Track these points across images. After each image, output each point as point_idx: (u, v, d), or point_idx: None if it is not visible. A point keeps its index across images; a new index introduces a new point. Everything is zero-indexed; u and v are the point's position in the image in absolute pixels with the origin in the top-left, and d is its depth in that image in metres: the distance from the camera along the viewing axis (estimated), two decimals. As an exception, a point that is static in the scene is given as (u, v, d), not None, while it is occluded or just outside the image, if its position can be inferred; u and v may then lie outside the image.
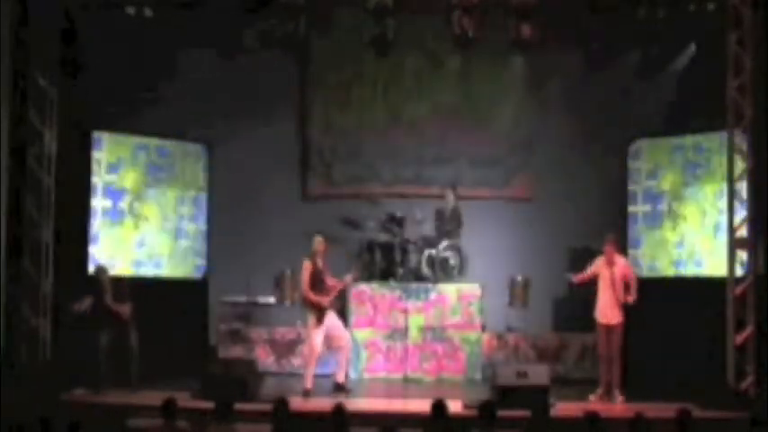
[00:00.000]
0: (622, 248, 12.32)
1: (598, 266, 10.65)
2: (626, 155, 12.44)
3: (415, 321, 12.30)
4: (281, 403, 7.19)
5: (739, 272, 10.36)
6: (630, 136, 12.42)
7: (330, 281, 10.80)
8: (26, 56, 10.67)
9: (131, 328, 10.83)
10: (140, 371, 10.72)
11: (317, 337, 10.65)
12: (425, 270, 12.63)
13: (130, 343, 10.79)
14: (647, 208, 12.29)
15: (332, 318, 10.82)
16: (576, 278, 10.84)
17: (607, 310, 10.59)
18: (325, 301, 10.66)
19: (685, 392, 9.44)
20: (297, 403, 7.60)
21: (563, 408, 9.55)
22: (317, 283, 10.66)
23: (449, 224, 12.86)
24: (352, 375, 12.29)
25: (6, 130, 10.57)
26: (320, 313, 10.63)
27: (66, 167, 11.05)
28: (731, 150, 10.43)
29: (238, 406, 8.44)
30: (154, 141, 12.48)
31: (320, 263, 10.78)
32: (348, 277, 11.08)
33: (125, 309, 10.79)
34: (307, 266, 10.68)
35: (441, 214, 13.04)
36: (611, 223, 12.40)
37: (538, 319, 12.66)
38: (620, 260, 10.68)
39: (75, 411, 8.31)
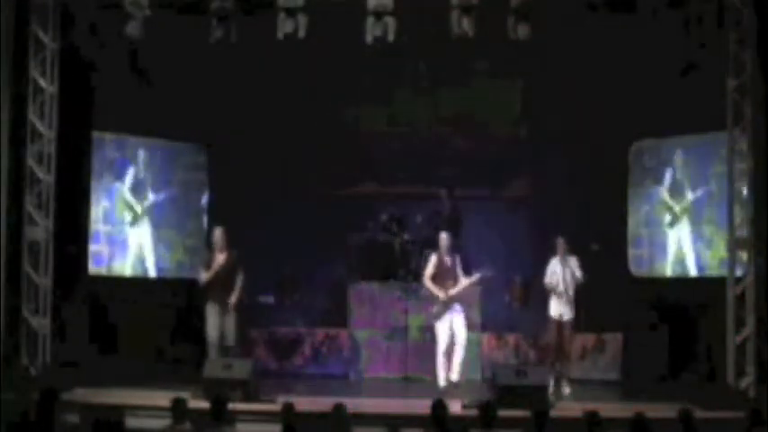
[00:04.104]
0: (623, 249, 12.37)
1: (554, 266, 11.04)
2: (626, 155, 12.44)
3: (415, 321, 12.30)
4: (289, 408, 7.20)
5: (739, 272, 10.37)
6: (630, 136, 12.42)
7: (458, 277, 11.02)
8: (26, 55, 10.67)
9: (228, 311, 11.02)
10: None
11: (438, 331, 10.97)
12: (426, 270, 12.63)
13: (226, 330, 10.99)
14: (647, 208, 12.29)
15: (457, 313, 10.98)
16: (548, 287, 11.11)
17: (561, 308, 10.95)
18: (442, 293, 10.91)
19: (685, 392, 9.44)
20: (300, 403, 7.60)
21: (563, 408, 9.56)
22: (438, 275, 10.99)
23: (447, 224, 12.86)
24: (351, 375, 12.30)
25: (6, 130, 10.57)
26: (441, 306, 10.93)
27: (66, 167, 11.05)
28: (731, 150, 10.44)
29: (238, 406, 8.49)
30: (154, 141, 12.48)
31: (446, 259, 11.04)
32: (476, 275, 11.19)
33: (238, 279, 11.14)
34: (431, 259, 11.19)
35: (439, 215, 13.04)
36: (611, 223, 12.45)
37: (538, 319, 12.65)
38: (572, 260, 11.02)
39: (75, 411, 8.29)
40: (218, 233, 11.22)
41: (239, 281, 11.13)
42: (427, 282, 11.11)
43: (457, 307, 11.03)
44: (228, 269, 11.10)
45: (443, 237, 11.20)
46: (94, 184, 11.83)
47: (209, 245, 11.45)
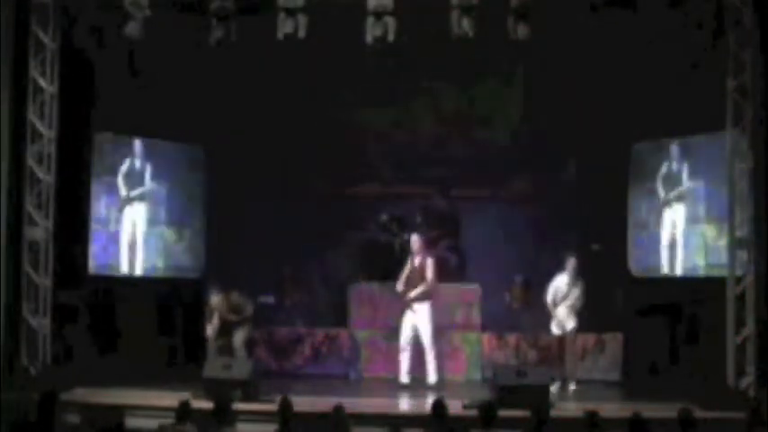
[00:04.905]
0: (623, 249, 12.37)
1: (559, 284, 11.24)
2: (627, 155, 12.43)
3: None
4: (286, 402, 7.20)
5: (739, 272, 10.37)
6: (631, 136, 12.41)
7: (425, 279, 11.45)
8: (26, 55, 10.67)
9: (238, 328, 11.24)
10: None
11: (402, 330, 11.47)
12: (425, 270, 12.65)
13: (234, 344, 11.19)
14: (648, 208, 12.27)
15: (419, 315, 11.39)
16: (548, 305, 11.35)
17: (564, 323, 11.21)
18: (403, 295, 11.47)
19: (685, 392, 9.44)
20: (300, 403, 7.61)
21: (563, 408, 9.56)
22: (408, 277, 11.49)
23: (446, 225, 12.88)
24: (351, 375, 12.30)
25: (6, 130, 10.57)
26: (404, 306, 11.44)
27: (66, 167, 11.05)
28: (731, 150, 10.44)
29: (238, 406, 8.49)
30: (153, 141, 12.47)
31: (415, 261, 11.48)
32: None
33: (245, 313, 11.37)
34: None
35: (437, 214, 13.05)
36: (611, 223, 12.45)
37: (538, 319, 12.65)
38: (579, 283, 11.24)
39: (75, 411, 8.30)
40: (214, 299, 11.32)
41: (247, 315, 11.36)
42: (398, 284, 11.56)
43: (416, 307, 11.42)
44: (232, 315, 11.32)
45: (413, 239, 11.63)
46: (94, 184, 11.83)
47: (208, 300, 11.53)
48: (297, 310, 12.93)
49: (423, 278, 11.46)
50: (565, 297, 11.16)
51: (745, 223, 10.35)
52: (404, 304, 11.50)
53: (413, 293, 11.42)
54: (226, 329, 11.23)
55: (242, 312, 11.29)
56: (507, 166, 13.60)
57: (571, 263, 11.19)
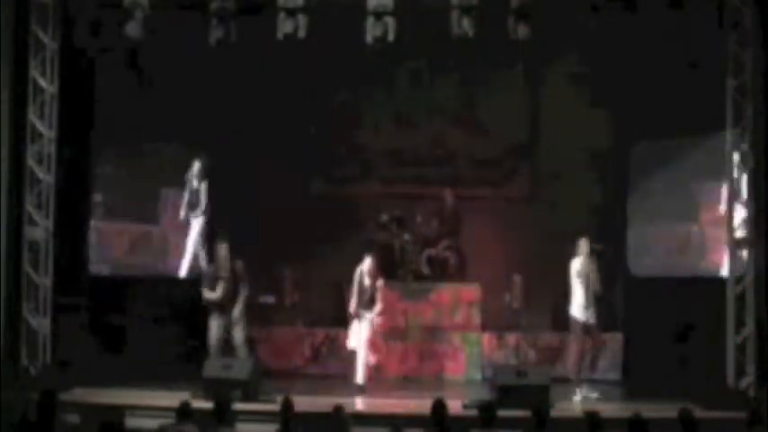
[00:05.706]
0: (623, 249, 12.37)
1: (576, 266, 10.88)
2: (627, 155, 12.43)
3: (415, 321, 12.30)
4: (287, 402, 7.21)
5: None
6: (631, 136, 12.42)
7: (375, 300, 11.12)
8: (26, 55, 10.67)
9: (235, 309, 10.94)
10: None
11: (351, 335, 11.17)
12: (425, 270, 12.65)
13: (235, 342, 10.93)
14: (648, 208, 12.27)
15: (361, 322, 11.07)
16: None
17: (586, 311, 10.86)
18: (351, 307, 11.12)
19: (685, 392, 9.44)
20: (300, 403, 7.61)
21: (563, 408, 9.56)
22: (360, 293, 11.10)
23: (447, 224, 12.88)
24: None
25: (6, 130, 10.57)
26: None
27: (66, 167, 11.05)
28: (731, 150, 10.44)
29: (238, 406, 8.49)
30: (153, 142, 12.46)
31: (365, 281, 11.10)
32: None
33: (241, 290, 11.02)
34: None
35: (439, 214, 13.06)
36: (611, 223, 12.45)
37: (538, 319, 12.67)
38: (594, 262, 10.92)
39: (75, 411, 8.30)
40: (222, 251, 11.04)
41: (244, 291, 11.03)
42: (350, 305, 11.17)
43: (365, 313, 11.11)
44: (233, 283, 11.01)
45: (367, 261, 11.18)
46: (94, 184, 11.83)
47: (211, 260, 11.30)
48: (297, 310, 12.92)
49: (372, 301, 11.09)
50: (585, 276, 10.83)
51: (745, 223, 10.35)
52: (355, 315, 11.14)
53: (369, 315, 11.02)
54: (225, 299, 10.96)
55: (239, 285, 11.03)
56: (507, 165, 13.60)
57: (582, 244, 10.88)
